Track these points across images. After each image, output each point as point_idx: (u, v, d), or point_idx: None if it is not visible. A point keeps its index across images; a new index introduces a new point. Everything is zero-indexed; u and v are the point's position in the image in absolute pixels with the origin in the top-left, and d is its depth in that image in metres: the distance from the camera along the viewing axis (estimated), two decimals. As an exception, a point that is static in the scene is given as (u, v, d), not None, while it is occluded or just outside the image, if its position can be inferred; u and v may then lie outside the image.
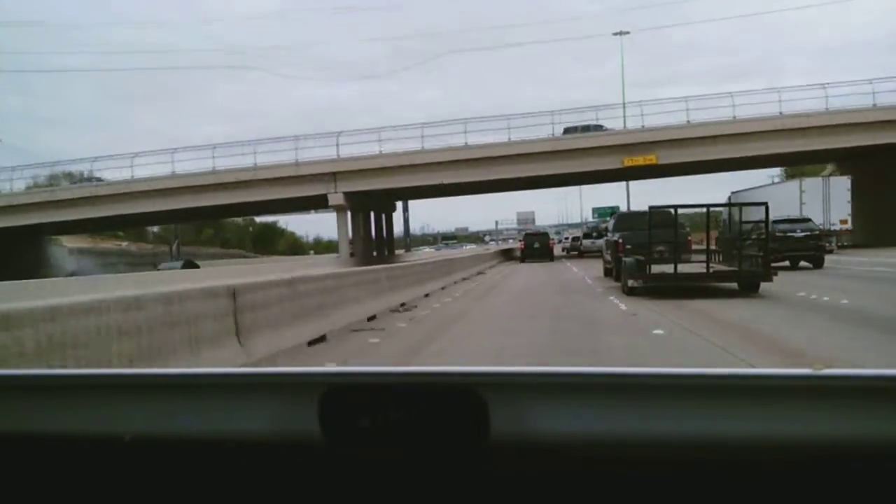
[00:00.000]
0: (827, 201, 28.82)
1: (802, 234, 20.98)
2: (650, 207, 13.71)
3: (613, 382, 0.81)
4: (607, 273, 19.90)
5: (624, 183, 49.61)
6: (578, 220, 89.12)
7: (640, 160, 36.32)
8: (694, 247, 17.44)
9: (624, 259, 14.69)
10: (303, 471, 0.85)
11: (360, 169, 39.45)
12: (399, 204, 59.37)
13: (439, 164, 38.67)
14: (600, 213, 48.04)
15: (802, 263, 20.79)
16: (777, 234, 19.50)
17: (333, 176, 39.89)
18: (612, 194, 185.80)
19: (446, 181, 38.81)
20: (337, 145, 40.47)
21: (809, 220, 22.65)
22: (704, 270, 13.17)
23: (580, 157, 36.96)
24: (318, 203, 44.21)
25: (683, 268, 13.57)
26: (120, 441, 0.86)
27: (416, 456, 0.81)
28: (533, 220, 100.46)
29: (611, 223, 20.37)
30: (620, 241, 16.94)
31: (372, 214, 48.98)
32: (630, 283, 13.69)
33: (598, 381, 0.82)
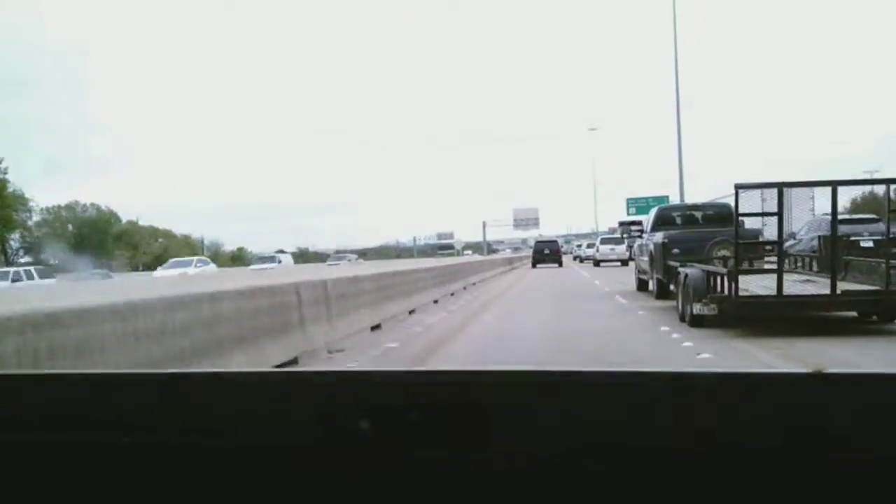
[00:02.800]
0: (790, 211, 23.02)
1: (872, 239, 15.58)
2: (736, 186, 8.42)
3: (614, 382, 0.81)
4: (641, 286, 15.11)
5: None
6: (589, 230, 79.43)
7: None
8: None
9: (682, 270, 9.79)
10: (303, 472, 0.85)
11: None
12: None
13: None
14: (638, 207, 38.14)
15: None
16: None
17: None
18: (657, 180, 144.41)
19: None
20: None
21: (879, 219, 17.11)
22: (829, 291, 8.19)
23: None
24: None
25: (793, 287, 8.68)
26: (119, 442, 0.86)
27: (416, 457, 0.81)
28: (536, 222, 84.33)
29: (649, 220, 15.24)
30: (666, 242, 12.11)
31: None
32: (697, 308, 8.78)
33: (600, 382, 0.82)
